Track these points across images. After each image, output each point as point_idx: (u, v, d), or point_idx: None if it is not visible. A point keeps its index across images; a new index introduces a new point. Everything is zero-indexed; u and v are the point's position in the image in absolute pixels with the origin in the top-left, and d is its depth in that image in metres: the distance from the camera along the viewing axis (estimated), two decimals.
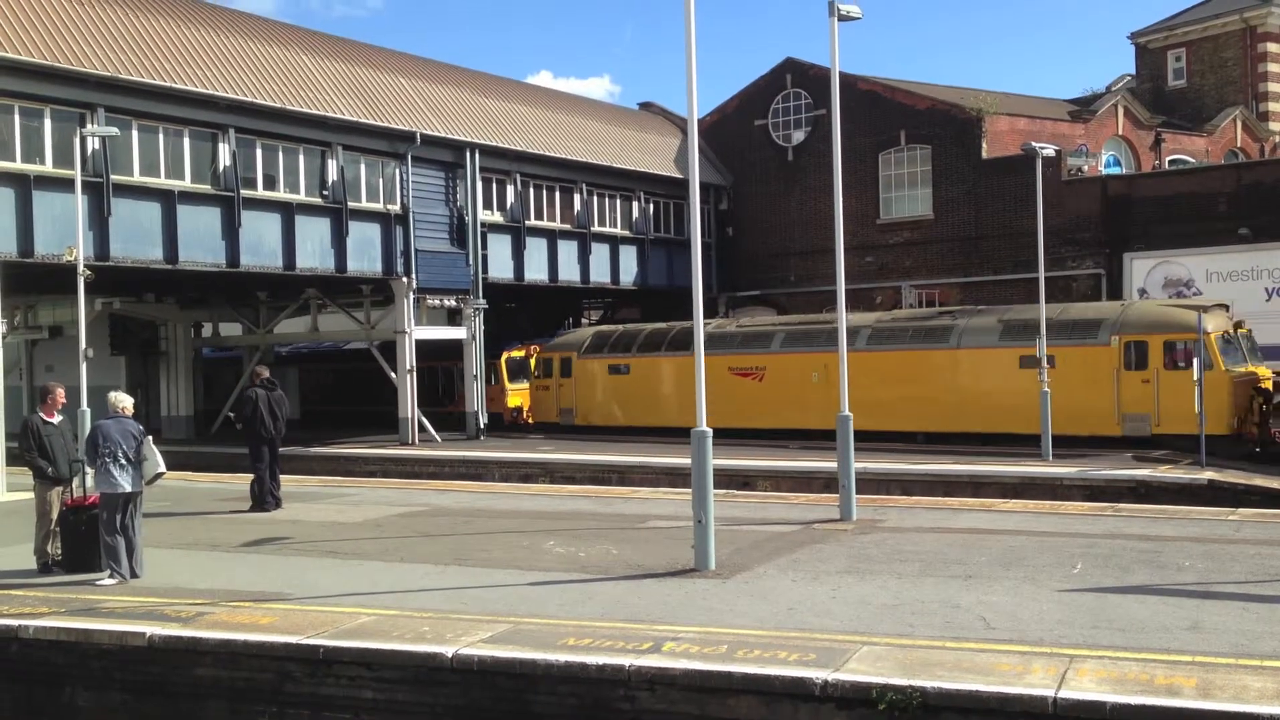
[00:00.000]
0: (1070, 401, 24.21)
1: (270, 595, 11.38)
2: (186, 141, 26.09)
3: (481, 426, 32.05)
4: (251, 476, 18.21)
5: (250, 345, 37.32)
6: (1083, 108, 41.39)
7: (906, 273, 37.41)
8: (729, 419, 27.57)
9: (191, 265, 26.18)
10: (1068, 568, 11.86)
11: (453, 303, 31.98)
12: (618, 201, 37.75)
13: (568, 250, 35.79)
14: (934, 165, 37.31)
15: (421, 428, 30.94)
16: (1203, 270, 31.79)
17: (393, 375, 31.58)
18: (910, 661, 8.38)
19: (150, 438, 12.78)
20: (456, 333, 32.37)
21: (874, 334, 28.24)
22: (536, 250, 34.73)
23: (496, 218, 33.42)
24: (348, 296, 33.67)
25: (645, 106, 44.75)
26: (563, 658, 8.76)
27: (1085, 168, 35.81)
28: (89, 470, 13.06)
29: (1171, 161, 41.43)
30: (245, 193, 26.92)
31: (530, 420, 34.78)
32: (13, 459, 18.39)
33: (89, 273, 22.28)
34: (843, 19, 15.78)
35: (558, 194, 35.65)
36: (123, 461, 12.24)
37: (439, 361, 34.86)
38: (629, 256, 38.03)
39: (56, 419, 13.32)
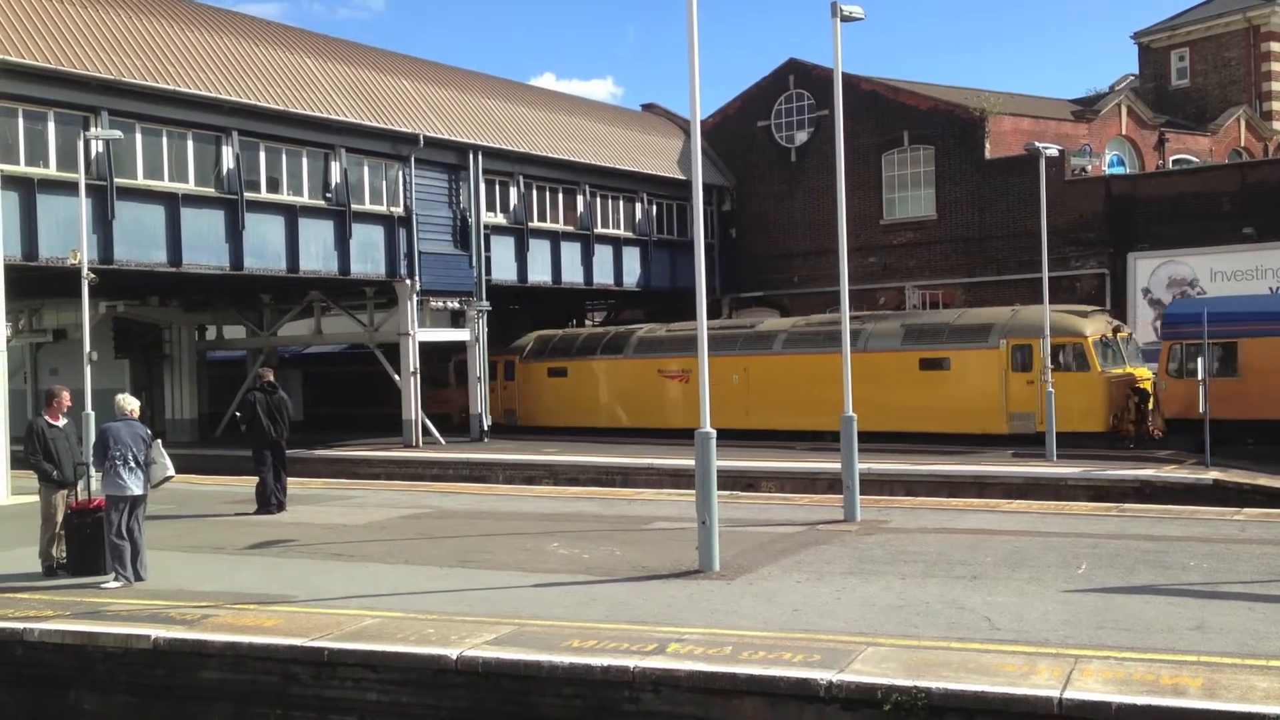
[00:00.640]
0: (963, 401, 25.93)
1: (275, 598, 11.39)
2: (190, 144, 26.13)
3: (485, 429, 32.06)
4: (258, 479, 18.23)
5: (254, 348, 37.35)
6: (1086, 107, 41.37)
7: (910, 273, 37.38)
8: (658, 419, 30.99)
9: (195, 268, 26.20)
10: (1072, 568, 11.84)
11: (456, 305, 31.98)
12: (621, 203, 37.75)
13: (571, 252, 35.79)
14: (937, 166, 37.28)
15: (425, 430, 30.96)
16: (1207, 270, 31.75)
17: (396, 377, 31.60)
18: (915, 662, 8.37)
19: (159, 441, 12.80)
20: (460, 335, 32.39)
21: (789, 338, 29.91)
22: (539, 252, 34.74)
23: (499, 219, 33.44)
24: (351, 299, 33.69)
25: (648, 108, 44.76)
26: (567, 659, 8.76)
27: (1089, 168, 35.79)
28: (95, 472, 13.07)
29: (1175, 161, 41.39)
30: (249, 195, 26.95)
31: None
32: (17, 462, 18.41)
33: (93, 276, 22.31)
34: (845, 19, 15.78)
35: (561, 196, 35.66)
36: (132, 464, 12.26)
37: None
38: (632, 258, 38.03)
39: (61, 422, 13.33)
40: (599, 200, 36.88)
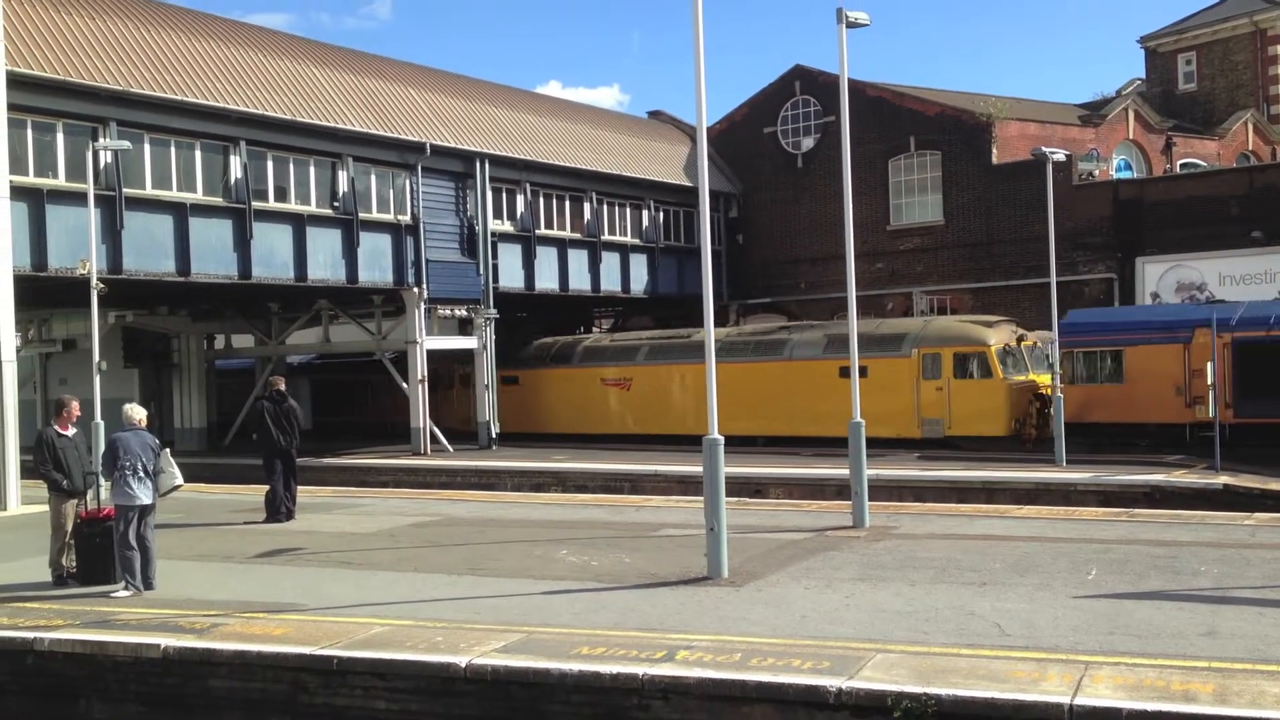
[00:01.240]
0: (880, 407, 26.49)
1: (284, 606, 11.39)
2: (198, 154, 26.21)
3: (493, 436, 32.08)
4: (267, 487, 18.25)
5: (262, 356, 37.41)
6: (1093, 112, 41.32)
7: (918, 279, 37.35)
8: (602, 425, 32.50)
9: (204, 277, 26.28)
10: (1082, 574, 11.81)
11: (464, 312, 32.03)
12: (628, 210, 37.78)
13: (578, 259, 35.82)
14: (944, 171, 37.27)
15: (434, 438, 30.98)
16: (1215, 273, 31.69)
17: (404, 385, 31.63)
18: (925, 669, 8.35)
19: (168, 450, 12.83)
20: (468, 342, 32.42)
21: (722, 347, 30.39)
22: (547, 259, 34.78)
23: (507, 227, 33.48)
24: (359, 307, 33.74)
25: (654, 115, 44.80)
26: (576, 667, 8.75)
27: (1096, 172, 35.73)
28: (105, 482, 13.10)
29: (1183, 165, 41.32)
30: (256, 204, 27.02)
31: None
32: (27, 472, 18.46)
33: (102, 286, 22.41)
34: (851, 26, 15.79)
35: (568, 203, 35.70)
36: (141, 474, 12.28)
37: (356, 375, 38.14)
38: (639, 265, 38.05)
39: (70, 432, 13.36)
40: (606, 207, 36.92)
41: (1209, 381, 21.44)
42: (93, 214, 22.28)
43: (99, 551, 12.76)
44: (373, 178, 29.94)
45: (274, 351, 36.72)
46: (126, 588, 12.23)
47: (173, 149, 25.76)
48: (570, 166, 35.15)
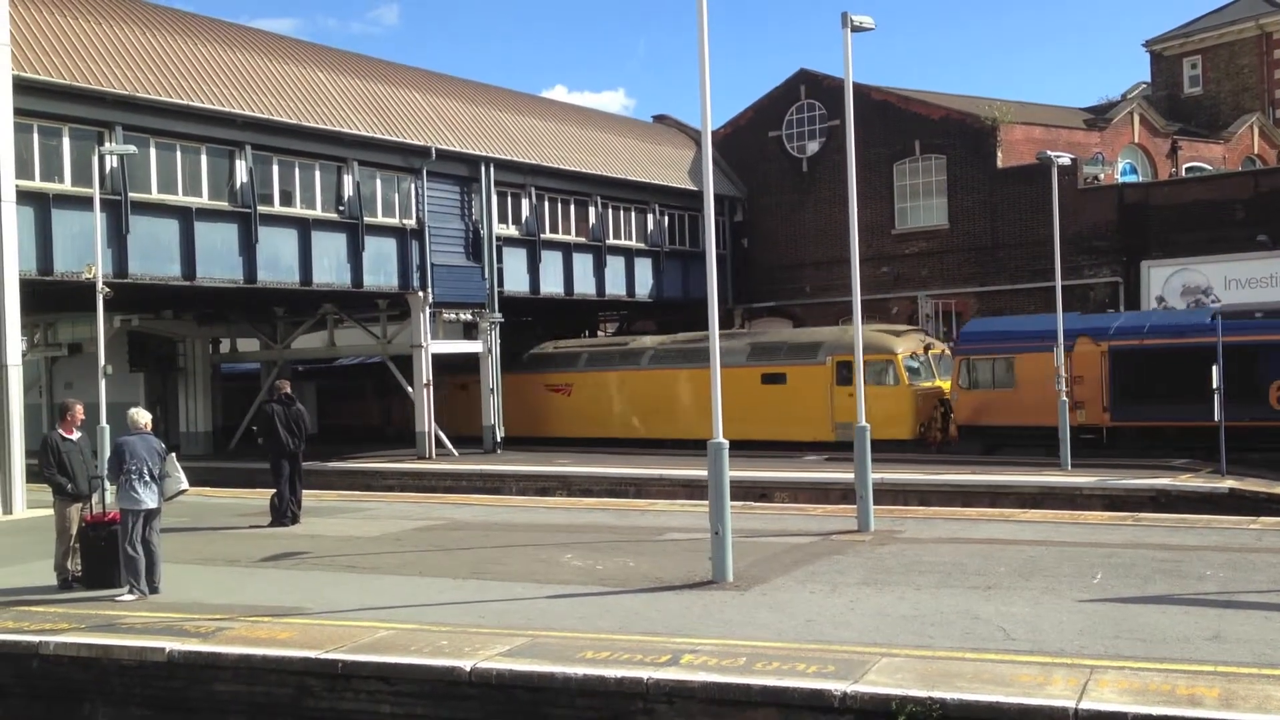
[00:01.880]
0: (798, 412, 28.91)
1: (289, 610, 11.40)
2: (204, 159, 26.26)
3: (498, 440, 32.09)
4: (272, 491, 18.27)
5: (268, 360, 37.45)
6: (1098, 116, 41.27)
7: (923, 283, 37.33)
8: (545, 429, 33.92)
9: (209, 282, 26.31)
10: (1088, 578, 11.79)
11: (469, 316, 32.03)
12: (633, 214, 37.80)
13: (583, 263, 35.84)
14: (949, 175, 37.25)
15: (439, 442, 30.99)
16: (1221, 277, 31.63)
17: (409, 389, 31.65)
18: (930, 673, 8.34)
19: (173, 454, 12.84)
20: (473, 346, 32.44)
21: (654, 355, 33.11)
22: (552, 263, 34.79)
23: (512, 231, 33.50)
24: (364, 311, 33.77)
25: (659, 119, 44.82)
26: (581, 671, 8.75)
27: (1101, 176, 35.68)
28: (110, 486, 13.12)
29: (1188, 169, 41.27)
30: (262, 209, 27.06)
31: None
32: (32, 476, 18.48)
33: (108, 290, 22.44)
34: (856, 30, 15.80)
35: (573, 207, 35.73)
36: (146, 478, 12.30)
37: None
38: (644, 269, 38.06)
39: (75, 436, 13.39)
40: (611, 211, 36.94)
41: (1214, 385, 21.44)
42: (98, 218, 22.31)
43: (104, 555, 12.79)
44: (378, 182, 29.98)
45: (279, 355, 36.74)
46: (131, 591, 12.25)
47: (178, 153, 25.81)
48: (575, 170, 35.16)
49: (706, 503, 12.51)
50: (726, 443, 12.22)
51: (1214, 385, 21.47)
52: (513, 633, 10.02)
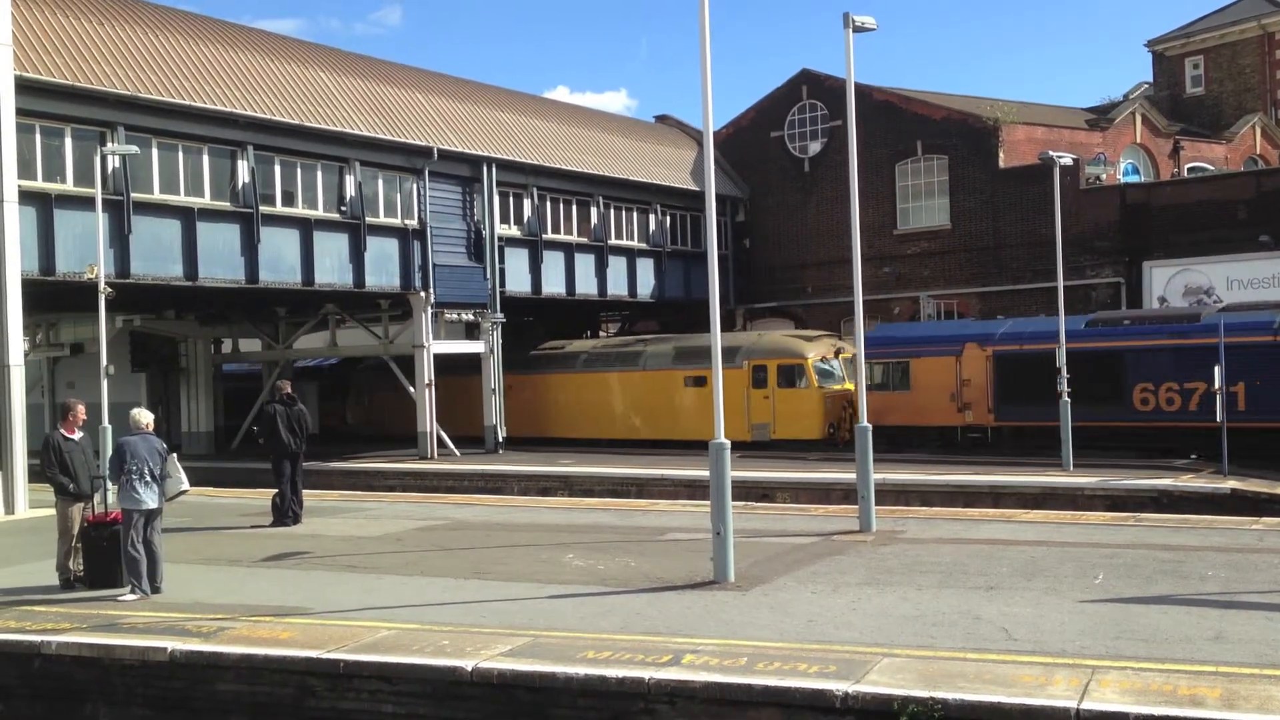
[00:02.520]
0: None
1: (290, 610, 11.41)
2: (206, 159, 26.27)
3: (500, 440, 32.10)
4: (274, 491, 18.28)
5: (270, 361, 37.47)
6: (1100, 116, 41.23)
7: (924, 283, 37.31)
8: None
9: (211, 282, 26.31)
10: (1090, 578, 11.79)
11: (470, 316, 32.03)
12: (634, 214, 37.79)
13: (585, 263, 35.83)
14: (951, 175, 37.22)
15: (441, 442, 30.99)
16: (1223, 278, 31.61)
17: (411, 390, 31.65)
18: (931, 673, 8.34)
19: (174, 455, 12.85)
20: (474, 346, 32.44)
21: (588, 358, 34.52)
22: (553, 263, 34.79)
23: (514, 231, 33.50)
24: (366, 311, 33.78)
25: (661, 119, 44.79)
26: (582, 671, 8.76)
27: (1103, 176, 35.66)
28: (112, 486, 13.13)
29: (1190, 169, 41.23)
30: (264, 209, 27.07)
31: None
32: (34, 475, 18.50)
33: (110, 290, 22.45)
34: (858, 30, 15.81)
35: (574, 207, 35.72)
36: (148, 478, 12.32)
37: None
38: (646, 269, 38.05)
39: (77, 436, 13.40)
40: (613, 212, 36.93)
41: (1216, 388, 21.45)
42: (100, 219, 22.32)
43: (106, 555, 12.80)
44: (380, 182, 29.98)
45: (281, 356, 36.76)
46: (133, 591, 12.26)
47: (180, 153, 25.82)
48: (577, 171, 35.15)
49: (708, 503, 12.50)
50: (728, 443, 12.23)
51: (1215, 387, 21.47)
52: (514, 633, 10.02)
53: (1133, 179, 39.10)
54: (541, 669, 8.87)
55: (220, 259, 26.31)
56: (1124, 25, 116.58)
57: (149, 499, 12.32)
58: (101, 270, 22.15)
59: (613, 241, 36.68)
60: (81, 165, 23.60)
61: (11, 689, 10.62)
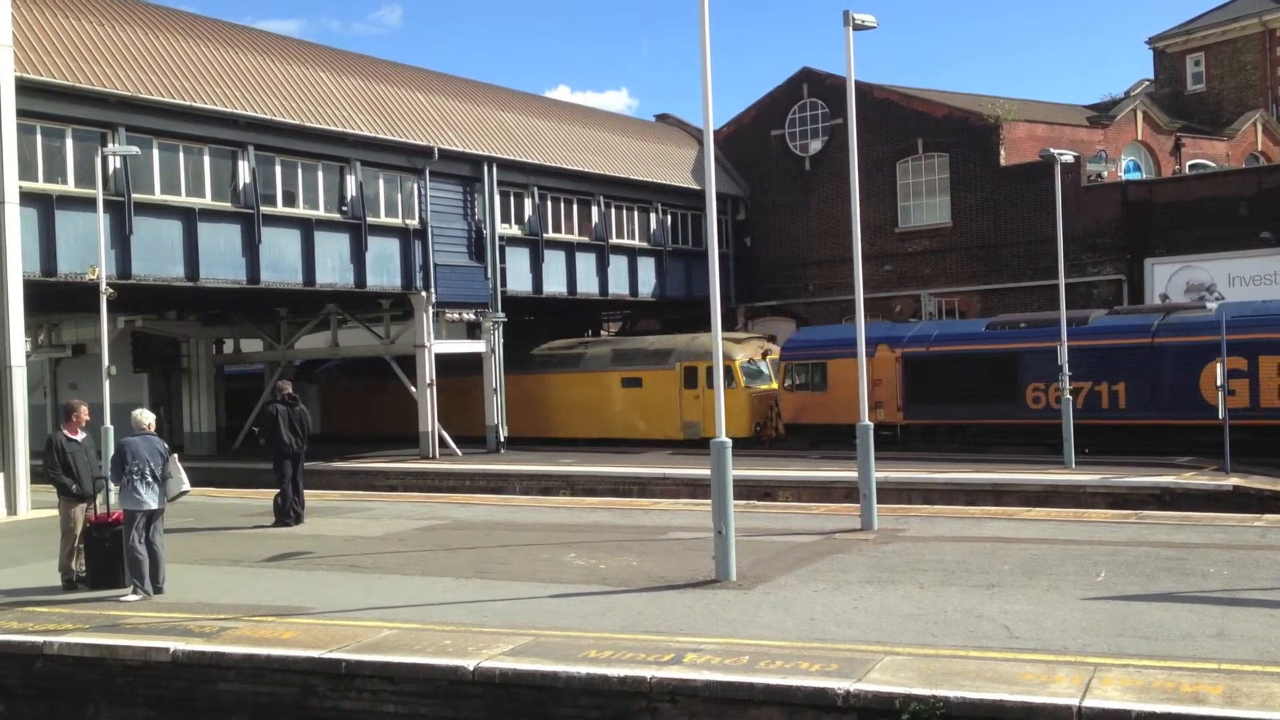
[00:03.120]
0: (653, 412, 32.02)
1: (292, 610, 11.42)
2: (206, 159, 26.27)
3: (501, 440, 32.10)
4: (275, 491, 18.28)
5: (271, 361, 37.48)
6: (1101, 113, 41.21)
7: (926, 281, 37.31)
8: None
9: (212, 282, 26.31)
10: (1091, 576, 11.79)
11: (471, 316, 32.04)
12: (635, 213, 37.79)
13: (586, 262, 35.83)
14: (952, 173, 37.21)
15: (442, 442, 31.00)
16: (1225, 275, 31.61)
17: (412, 389, 31.65)
18: (933, 671, 8.34)
19: (175, 455, 12.86)
20: (476, 346, 32.45)
21: (541, 360, 35.28)
22: (555, 263, 34.79)
23: (514, 231, 33.50)
24: (367, 311, 33.78)
25: (662, 118, 44.79)
26: (584, 670, 8.76)
27: (1104, 173, 35.63)
28: (114, 486, 13.14)
29: (1192, 166, 41.20)
30: (265, 209, 27.07)
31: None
32: (37, 476, 18.51)
33: (111, 291, 22.45)
34: (858, 28, 15.79)
35: (575, 206, 35.72)
36: (149, 479, 12.33)
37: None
38: (647, 268, 38.05)
39: (80, 436, 13.41)
40: (614, 211, 36.93)
41: (1218, 385, 21.42)
42: (102, 219, 22.33)
43: (108, 556, 12.81)
44: (381, 182, 29.98)
45: (283, 356, 36.76)
46: (135, 592, 12.27)
47: (181, 154, 25.82)
48: (578, 170, 35.15)
49: (709, 502, 12.50)
50: (729, 442, 12.23)
51: (1218, 384, 21.45)
52: (516, 632, 10.02)
53: (1134, 176, 39.09)
54: (543, 668, 8.88)
55: (221, 259, 26.31)
56: (1125, 22, 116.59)
57: (150, 499, 12.33)
58: (103, 271, 22.15)
59: (614, 241, 36.68)
60: (82, 166, 23.61)
61: (14, 689, 10.63)
